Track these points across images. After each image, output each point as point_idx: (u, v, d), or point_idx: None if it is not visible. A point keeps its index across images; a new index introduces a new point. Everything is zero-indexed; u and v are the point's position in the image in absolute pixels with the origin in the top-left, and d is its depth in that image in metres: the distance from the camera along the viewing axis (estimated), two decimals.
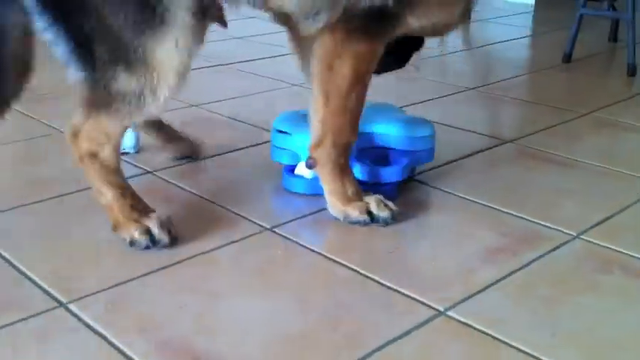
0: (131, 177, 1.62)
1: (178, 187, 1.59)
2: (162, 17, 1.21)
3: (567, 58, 2.81)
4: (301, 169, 1.53)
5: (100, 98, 1.27)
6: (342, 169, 1.43)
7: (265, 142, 1.82)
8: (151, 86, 1.25)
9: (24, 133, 1.90)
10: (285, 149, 1.55)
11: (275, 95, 2.25)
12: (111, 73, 1.24)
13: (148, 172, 1.66)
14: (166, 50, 1.23)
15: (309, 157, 1.44)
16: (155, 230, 1.30)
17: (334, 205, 1.44)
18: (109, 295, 1.16)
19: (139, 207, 1.34)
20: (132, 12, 1.21)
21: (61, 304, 1.14)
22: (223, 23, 1.42)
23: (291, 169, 1.57)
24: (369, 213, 1.41)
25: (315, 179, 1.48)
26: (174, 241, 1.31)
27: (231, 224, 1.41)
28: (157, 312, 1.13)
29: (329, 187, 1.44)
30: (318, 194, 1.47)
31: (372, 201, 1.42)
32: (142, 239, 1.29)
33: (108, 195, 1.32)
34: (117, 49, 1.23)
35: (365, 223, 1.41)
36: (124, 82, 1.24)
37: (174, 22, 1.22)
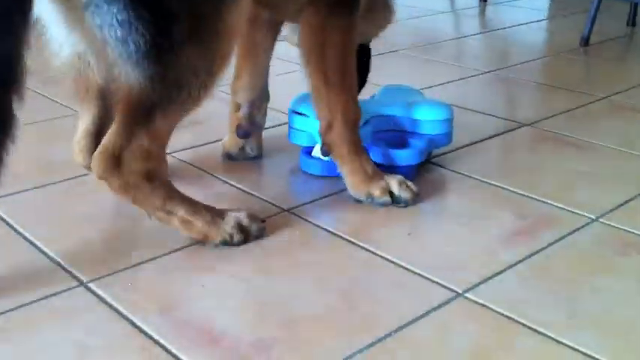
0: None
1: (197, 168, 1.60)
2: None
3: (585, 41, 2.78)
4: (318, 151, 1.52)
5: (163, 95, 1.15)
6: (357, 147, 1.43)
7: (281, 125, 1.82)
8: (219, 59, 1.17)
9: (41, 114, 1.91)
10: (302, 131, 1.55)
11: (290, 78, 2.24)
12: (186, 53, 1.13)
13: (167, 153, 1.66)
14: (237, 15, 1.17)
15: (323, 144, 1.44)
16: (245, 221, 1.27)
17: (356, 185, 1.43)
18: (129, 275, 1.17)
19: (208, 206, 1.27)
20: None
21: (81, 283, 1.15)
22: None
23: (308, 151, 1.57)
24: (391, 193, 1.41)
25: (331, 161, 1.48)
26: (264, 225, 1.30)
27: (250, 206, 1.41)
28: (177, 291, 1.14)
29: (348, 168, 1.43)
30: (335, 176, 1.47)
31: (394, 181, 1.42)
32: (237, 236, 1.25)
33: (180, 211, 1.23)
34: (194, 20, 1.12)
35: (386, 204, 1.41)
36: (197, 60, 1.15)
37: None
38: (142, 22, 1.07)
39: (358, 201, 1.43)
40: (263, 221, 1.31)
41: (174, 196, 1.25)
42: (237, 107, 1.60)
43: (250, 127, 1.60)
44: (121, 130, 1.18)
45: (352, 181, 1.44)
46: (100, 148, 1.20)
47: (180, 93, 1.15)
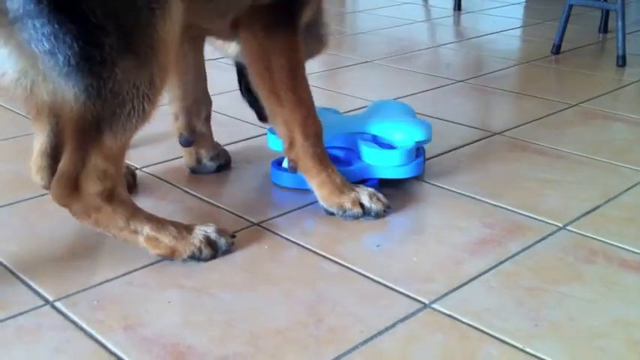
0: None
1: (166, 182, 1.59)
2: None
3: (556, 49, 2.81)
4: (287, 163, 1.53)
5: (105, 111, 1.13)
6: (322, 159, 1.44)
7: (252, 137, 1.82)
8: (158, 70, 1.16)
9: (9, 131, 1.90)
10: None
11: None
12: (121, 66, 1.11)
13: (137, 168, 1.66)
14: (169, 25, 1.15)
15: (289, 161, 1.45)
16: (214, 235, 1.27)
17: (327, 198, 1.43)
18: (96, 293, 1.17)
19: (174, 222, 1.27)
20: None
21: (47, 302, 1.14)
22: None
23: (278, 162, 1.57)
24: (361, 205, 1.42)
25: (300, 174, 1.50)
26: (232, 240, 1.30)
27: (219, 219, 1.42)
28: (144, 309, 1.13)
29: (316, 181, 1.44)
30: (306, 189, 1.47)
31: (364, 193, 1.43)
32: (206, 250, 1.25)
33: (145, 229, 1.23)
34: (125, 33, 1.11)
35: (357, 217, 1.42)
36: (134, 72, 1.13)
37: None
38: (70, 35, 1.07)
39: (330, 213, 1.44)
40: (233, 236, 1.31)
41: (138, 214, 1.24)
42: (177, 118, 1.61)
43: (191, 135, 1.60)
44: (73, 154, 1.17)
45: (322, 194, 1.44)
46: (56, 175, 1.20)
47: (123, 107, 1.14)
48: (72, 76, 1.10)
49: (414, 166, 1.54)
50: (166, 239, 1.23)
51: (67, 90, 1.11)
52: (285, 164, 1.54)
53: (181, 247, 1.24)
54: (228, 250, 1.29)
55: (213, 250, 1.26)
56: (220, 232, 1.29)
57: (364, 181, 1.51)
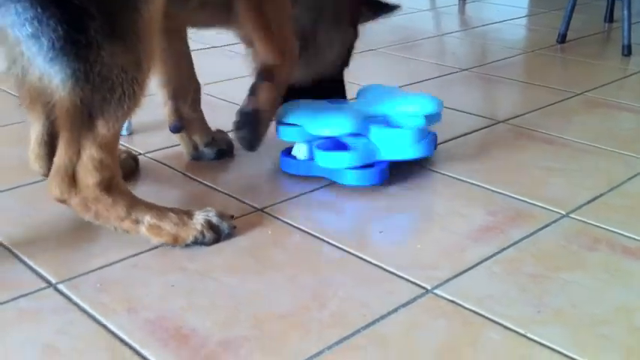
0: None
1: (171, 168, 1.59)
2: None
3: (562, 38, 2.80)
4: (298, 151, 1.54)
5: (95, 96, 1.13)
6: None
7: None
8: (145, 53, 1.16)
9: (13, 116, 1.90)
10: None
11: None
12: (107, 50, 1.11)
13: (140, 154, 1.66)
14: (153, 8, 1.16)
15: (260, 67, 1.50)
16: (215, 219, 1.27)
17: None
18: (99, 276, 1.17)
19: (174, 209, 1.27)
20: None
21: (50, 284, 1.15)
22: None
23: (287, 150, 1.57)
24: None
25: (309, 160, 1.51)
26: (233, 224, 1.31)
27: (223, 205, 1.42)
28: (147, 291, 1.14)
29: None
30: (315, 176, 1.49)
31: None
32: (208, 234, 1.25)
33: (146, 217, 1.23)
34: (110, 17, 1.11)
35: None
36: (122, 56, 1.13)
37: None
38: (53, 18, 1.06)
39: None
40: (232, 217, 1.31)
41: (137, 203, 1.24)
42: (165, 104, 1.61)
43: (179, 120, 1.60)
44: (67, 147, 1.17)
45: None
46: (52, 170, 1.19)
47: (113, 92, 1.13)
48: (57, 61, 1.09)
49: (425, 145, 1.53)
50: (168, 226, 1.23)
51: (53, 75, 1.11)
52: (294, 152, 1.54)
53: (184, 233, 1.24)
54: (231, 234, 1.29)
55: (216, 234, 1.26)
56: (221, 215, 1.29)
57: (373, 165, 1.50)
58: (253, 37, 1.48)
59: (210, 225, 1.26)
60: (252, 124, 1.49)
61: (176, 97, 1.59)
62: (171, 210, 1.26)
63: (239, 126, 1.49)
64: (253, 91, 1.50)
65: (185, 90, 1.59)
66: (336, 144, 1.52)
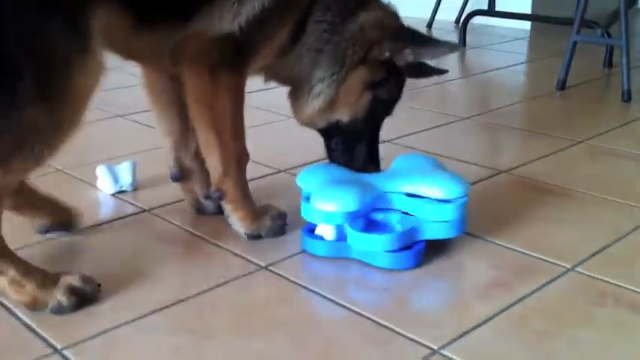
0: (128, 216, 1.65)
1: (176, 225, 1.60)
2: (86, 41, 1.17)
3: (562, 85, 2.83)
4: (322, 230, 1.45)
5: (2, 150, 1.13)
6: (247, 190, 1.52)
7: (260, 177, 1.83)
8: (68, 118, 1.17)
9: None
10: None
11: (271, 128, 2.27)
12: (29, 112, 1.12)
13: (145, 210, 1.67)
14: (86, 75, 1.17)
15: (217, 191, 1.49)
16: (79, 285, 1.24)
17: (249, 226, 1.50)
18: (104, 340, 1.17)
19: (41, 270, 1.24)
20: (62, 31, 1.14)
21: (56, 350, 1.14)
22: None
23: (310, 229, 1.47)
24: (280, 218, 1.53)
25: (337, 241, 1.43)
26: (98, 288, 1.28)
27: (227, 263, 1.42)
28: (153, 355, 1.13)
29: (242, 212, 1.50)
30: (341, 257, 1.42)
31: (273, 210, 1.54)
32: (72, 299, 1.22)
33: (11, 271, 1.20)
34: (40, 80, 1.12)
35: (278, 233, 1.52)
36: (42, 118, 1.13)
37: (95, 44, 1.18)
38: None
39: (254, 237, 1.50)
40: (99, 284, 1.28)
41: (6, 254, 1.22)
42: (168, 152, 1.63)
43: (180, 170, 1.62)
44: None
45: (245, 224, 1.51)
46: None
47: (21, 150, 1.14)
48: None
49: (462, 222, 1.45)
50: (30, 287, 1.21)
51: None
52: (318, 231, 1.45)
53: (43, 298, 1.22)
54: (95, 297, 1.26)
55: (78, 298, 1.24)
56: (85, 279, 1.26)
57: (411, 246, 1.41)
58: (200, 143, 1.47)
59: (72, 290, 1.23)
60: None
61: (178, 147, 1.61)
62: (39, 271, 1.24)
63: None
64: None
65: (187, 139, 1.60)
66: (369, 221, 1.45)
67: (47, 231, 1.51)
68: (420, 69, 1.64)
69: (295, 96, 1.54)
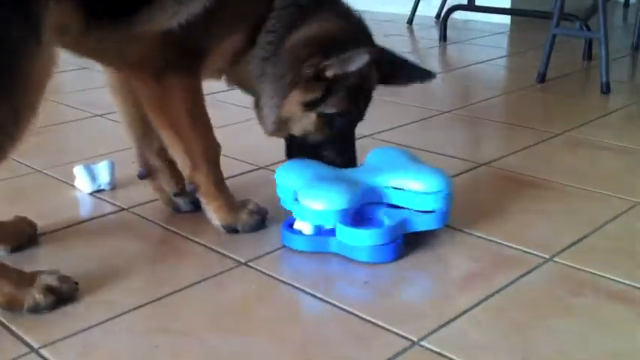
0: (107, 215, 1.63)
1: (154, 223, 1.59)
2: (38, 32, 1.15)
3: (541, 78, 2.84)
4: (300, 224, 1.45)
5: None
6: (222, 183, 1.51)
7: (240, 174, 1.82)
8: (23, 110, 1.17)
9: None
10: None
11: (250, 125, 2.25)
12: None
13: (123, 209, 1.66)
14: (37, 66, 1.17)
15: (190, 184, 1.48)
16: (56, 284, 1.23)
17: (224, 218, 1.50)
18: (81, 339, 1.16)
19: (18, 270, 1.24)
20: (13, 22, 1.12)
21: (32, 349, 1.13)
22: None
23: (290, 223, 1.47)
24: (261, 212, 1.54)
25: (316, 236, 1.43)
26: (76, 286, 1.27)
27: (206, 260, 1.42)
28: (130, 354, 1.12)
29: (217, 203, 1.50)
30: (324, 252, 1.42)
31: (251, 204, 1.53)
32: (49, 298, 1.22)
33: None
34: None
35: (255, 227, 1.52)
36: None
37: (47, 37, 1.17)
38: None
39: (231, 230, 1.50)
40: (76, 283, 1.27)
41: None
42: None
43: (145, 167, 1.62)
44: None
45: (220, 215, 1.50)
46: None
47: None
48: None
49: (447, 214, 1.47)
50: (6, 287, 1.20)
51: None
52: (297, 225, 1.45)
53: (20, 297, 1.21)
54: (72, 296, 1.25)
55: (56, 297, 1.23)
56: (62, 278, 1.25)
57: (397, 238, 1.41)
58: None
59: (49, 289, 1.23)
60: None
61: (141, 144, 1.60)
62: (16, 271, 1.24)
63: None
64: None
65: (151, 137, 1.58)
66: (356, 216, 1.43)
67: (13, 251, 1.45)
68: (400, 74, 1.61)
69: (255, 107, 1.52)
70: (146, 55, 1.37)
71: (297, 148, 1.55)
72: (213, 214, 1.51)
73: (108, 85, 1.58)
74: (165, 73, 1.38)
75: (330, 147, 1.53)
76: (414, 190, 1.44)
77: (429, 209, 1.43)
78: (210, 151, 1.48)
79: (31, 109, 1.18)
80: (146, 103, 1.43)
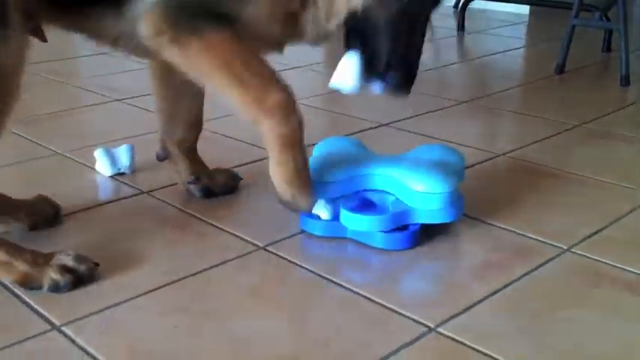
0: (126, 198, 1.65)
1: (173, 206, 1.60)
2: (4, 14, 1.14)
3: (560, 69, 2.82)
4: (320, 209, 1.43)
5: None
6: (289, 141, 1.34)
7: (256, 161, 1.83)
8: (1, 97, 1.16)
9: (20, 155, 1.92)
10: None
11: None
12: None
13: (143, 192, 1.67)
14: (9, 54, 1.16)
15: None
16: (72, 264, 1.25)
17: (279, 176, 1.36)
18: (102, 318, 1.18)
19: (32, 250, 1.25)
20: None
21: (54, 326, 1.15)
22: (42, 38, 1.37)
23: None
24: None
25: (334, 221, 1.43)
26: (95, 268, 1.28)
27: (225, 243, 1.43)
28: (150, 334, 1.14)
29: (276, 166, 1.35)
30: (339, 237, 1.43)
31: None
32: (67, 278, 1.23)
33: None
34: None
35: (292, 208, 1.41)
36: None
37: (15, 20, 1.15)
38: None
39: (283, 203, 1.40)
40: (96, 264, 1.28)
41: None
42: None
43: (163, 150, 1.64)
44: None
45: (279, 171, 1.36)
46: None
47: None
48: None
49: (459, 207, 1.45)
50: (21, 266, 1.22)
51: None
52: (316, 209, 1.43)
53: (38, 274, 1.23)
54: (92, 276, 1.27)
55: (73, 277, 1.24)
56: (79, 258, 1.27)
57: (406, 227, 1.42)
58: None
59: (65, 269, 1.24)
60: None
61: (164, 128, 1.62)
62: (30, 251, 1.25)
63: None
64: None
65: (174, 125, 1.61)
66: (363, 202, 1.46)
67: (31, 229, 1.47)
68: None
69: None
70: (155, 25, 1.25)
71: (356, 36, 1.35)
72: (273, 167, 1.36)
73: (149, 68, 1.58)
74: (185, 37, 1.25)
75: (392, 34, 1.37)
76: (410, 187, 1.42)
77: (426, 207, 1.41)
78: (268, 99, 1.29)
79: (8, 94, 1.18)
80: (183, 69, 1.30)
